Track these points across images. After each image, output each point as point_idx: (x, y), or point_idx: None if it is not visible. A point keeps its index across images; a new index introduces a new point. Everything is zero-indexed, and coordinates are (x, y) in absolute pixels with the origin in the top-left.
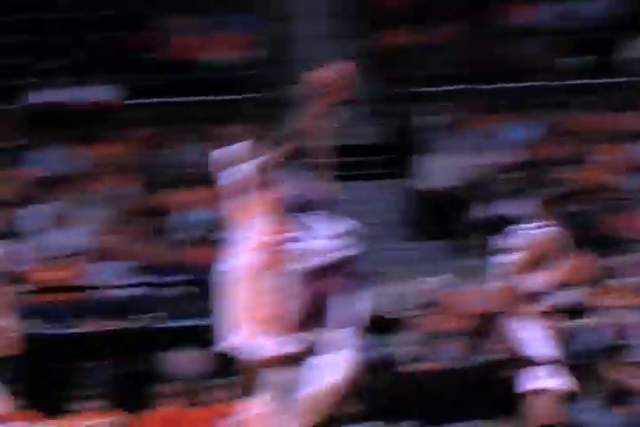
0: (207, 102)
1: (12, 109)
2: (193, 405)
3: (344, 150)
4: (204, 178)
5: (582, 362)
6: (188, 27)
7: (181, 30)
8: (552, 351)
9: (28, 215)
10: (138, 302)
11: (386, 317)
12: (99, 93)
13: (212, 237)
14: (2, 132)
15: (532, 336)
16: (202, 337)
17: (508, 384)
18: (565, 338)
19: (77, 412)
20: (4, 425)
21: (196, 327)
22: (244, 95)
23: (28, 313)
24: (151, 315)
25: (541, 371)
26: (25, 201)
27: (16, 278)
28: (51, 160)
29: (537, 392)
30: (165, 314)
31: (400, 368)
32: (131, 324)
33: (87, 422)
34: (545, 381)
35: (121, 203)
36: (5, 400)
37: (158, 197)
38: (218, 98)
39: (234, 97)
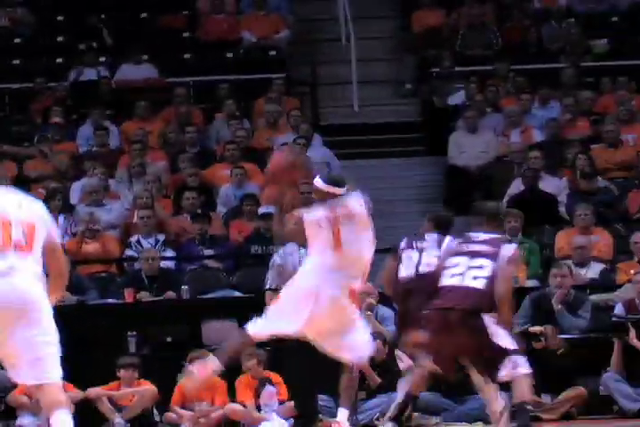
0: (242, 81)
1: (57, 87)
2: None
3: (380, 128)
4: (237, 154)
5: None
6: (225, 7)
7: (218, 10)
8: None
9: (73, 189)
10: (173, 275)
11: None
12: (138, 72)
13: (244, 211)
14: (49, 109)
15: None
16: (236, 309)
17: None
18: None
19: (116, 380)
20: None
21: (230, 299)
22: (276, 74)
23: (70, 284)
24: (185, 287)
25: (517, 359)
26: (70, 175)
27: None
28: (92, 136)
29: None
30: (198, 286)
31: None
32: (166, 295)
33: (126, 391)
34: (523, 367)
35: (157, 178)
36: None
37: (195, 172)
38: (252, 76)
39: (267, 76)
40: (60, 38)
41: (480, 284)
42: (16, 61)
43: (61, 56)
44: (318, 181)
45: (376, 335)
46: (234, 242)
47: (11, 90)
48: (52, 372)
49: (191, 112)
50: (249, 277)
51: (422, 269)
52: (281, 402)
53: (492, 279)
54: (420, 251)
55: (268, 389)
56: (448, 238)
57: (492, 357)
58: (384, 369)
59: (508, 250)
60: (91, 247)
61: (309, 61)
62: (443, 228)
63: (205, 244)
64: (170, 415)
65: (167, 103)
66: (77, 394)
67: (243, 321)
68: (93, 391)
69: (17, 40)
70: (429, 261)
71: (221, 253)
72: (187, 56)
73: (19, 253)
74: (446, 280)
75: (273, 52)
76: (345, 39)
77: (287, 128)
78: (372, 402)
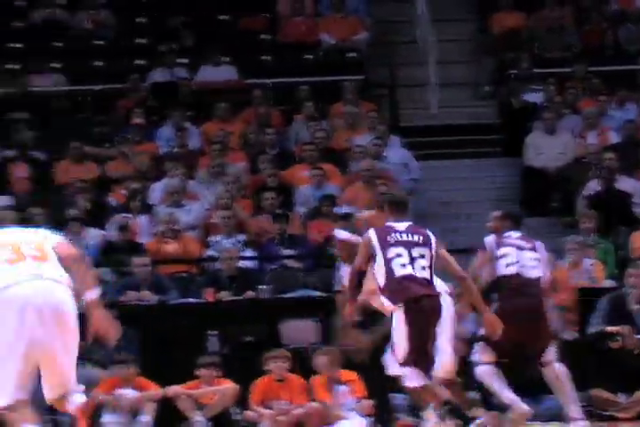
0: (320, 83)
1: (137, 88)
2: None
3: (458, 129)
4: (316, 155)
5: None
6: (304, 9)
7: (298, 13)
8: None
9: (153, 189)
10: (253, 274)
11: None
12: (217, 73)
13: (322, 212)
14: (130, 110)
15: None
16: (314, 309)
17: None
18: None
19: (196, 378)
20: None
21: (308, 299)
22: (354, 76)
23: (149, 284)
24: (264, 287)
25: None
26: (150, 176)
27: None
28: (172, 137)
29: None
30: (278, 286)
31: None
32: (245, 295)
33: (207, 389)
34: None
35: (237, 179)
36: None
37: (274, 173)
38: (330, 78)
39: (345, 78)
40: (140, 40)
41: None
42: (98, 63)
43: (142, 58)
44: None
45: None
46: (313, 242)
47: (93, 91)
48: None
49: (270, 113)
50: (327, 277)
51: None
52: (358, 400)
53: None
54: (519, 248)
55: (340, 388)
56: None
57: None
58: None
59: None
60: (171, 247)
61: (387, 63)
62: (519, 225)
63: (284, 244)
64: (249, 414)
65: (247, 104)
66: (158, 392)
67: (321, 321)
68: (173, 390)
69: (99, 42)
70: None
71: (300, 253)
72: (266, 58)
73: (36, 262)
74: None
75: (351, 55)
76: (423, 41)
77: (365, 129)
78: None
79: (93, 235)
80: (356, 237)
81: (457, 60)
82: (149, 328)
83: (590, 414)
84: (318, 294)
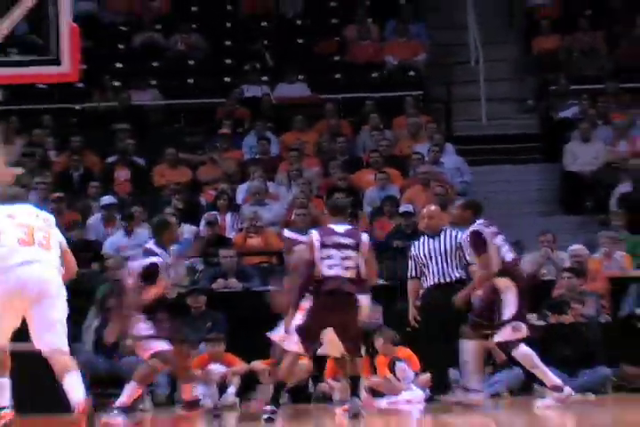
0: (384, 98)
1: (226, 102)
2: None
3: (505, 139)
4: (381, 161)
5: None
6: (371, 35)
7: (365, 37)
8: None
9: (238, 191)
10: None
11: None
12: (293, 90)
13: (385, 211)
14: (219, 121)
15: None
16: (379, 295)
17: None
18: None
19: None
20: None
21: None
22: (414, 92)
23: (235, 273)
24: None
25: None
26: (236, 179)
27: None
28: (255, 145)
29: None
30: None
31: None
32: None
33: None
34: None
35: (311, 181)
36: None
37: (344, 176)
38: (393, 94)
39: (406, 93)
40: (228, 60)
41: None
42: (190, 80)
43: (229, 76)
44: None
45: None
46: (377, 237)
47: (186, 105)
48: (61, 342)
49: (341, 125)
50: (390, 268)
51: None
52: (416, 374)
53: None
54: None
55: (399, 365)
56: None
57: None
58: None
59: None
60: (254, 241)
61: (443, 81)
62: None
63: None
64: (323, 386)
65: (320, 117)
66: (244, 366)
67: (386, 305)
68: (257, 365)
69: (191, 62)
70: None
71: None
72: (337, 76)
73: (41, 248)
74: None
75: (412, 73)
76: (474, 62)
77: (424, 138)
78: (497, 376)
79: (187, 230)
80: (301, 236)
81: (503, 78)
82: (235, 311)
83: (621, 388)
84: (382, 282)
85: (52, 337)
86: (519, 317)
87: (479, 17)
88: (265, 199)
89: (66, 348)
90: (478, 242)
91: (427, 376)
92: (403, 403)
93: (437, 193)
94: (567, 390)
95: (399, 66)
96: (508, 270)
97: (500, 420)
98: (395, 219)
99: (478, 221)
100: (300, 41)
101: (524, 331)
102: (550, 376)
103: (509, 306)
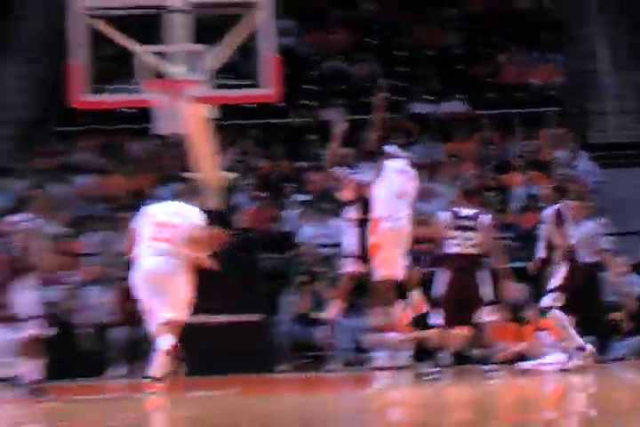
0: (530, 113)
1: (400, 117)
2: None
3: (630, 146)
4: (526, 165)
5: None
6: (518, 60)
7: (515, 64)
8: None
9: None
10: None
11: None
12: (454, 106)
13: (530, 207)
14: (396, 133)
15: None
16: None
17: None
18: None
19: None
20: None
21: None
22: (555, 108)
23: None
24: None
25: None
26: None
27: None
28: (424, 152)
29: None
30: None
31: None
32: None
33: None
34: None
35: (468, 182)
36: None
37: (496, 177)
38: (537, 110)
39: (548, 109)
40: (399, 83)
41: None
42: (367, 100)
43: (401, 95)
44: None
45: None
46: (524, 228)
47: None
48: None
49: (493, 136)
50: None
51: None
52: (556, 341)
53: None
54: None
55: (540, 334)
56: None
57: None
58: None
59: None
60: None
61: (578, 98)
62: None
63: (503, 229)
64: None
65: (476, 130)
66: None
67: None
68: (428, 333)
69: (369, 85)
70: None
71: (514, 235)
72: (490, 95)
73: (166, 244)
74: None
75: (552, 93)
76: (604, 83)
77: (562, 146)
78: (624, 342)
79: None
80: None
81: (629, 95)
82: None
83: None
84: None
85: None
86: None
87: (608, 47)
88: (430, 196)
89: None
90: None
91: (566, 343)
92: (546, 365)
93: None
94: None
95: (541, 87)
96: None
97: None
98: (538, 213)
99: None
100: (459, 66)
101: None
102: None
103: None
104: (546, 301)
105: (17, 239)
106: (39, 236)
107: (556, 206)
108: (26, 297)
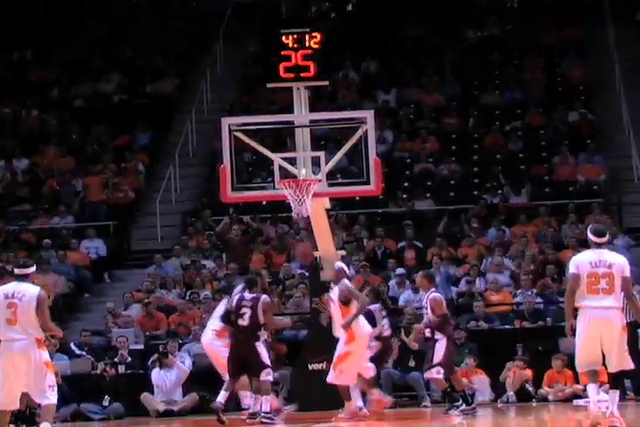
0: (579, 204)
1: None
2: None
3: None
4: (576, 243)
5: None
6: (567, 160)
7: (563, 163)
8: None
9: None
10: None
11: None
12: (519, 199)
13: None
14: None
15: None
16: None
17: None
18: None
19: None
20: None
21: None
22: (596, 199)
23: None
24: None
25: None
26: None
27: None
28: (495, 234)
29: None
30: None
31: None
32: None
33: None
34: None
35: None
36: None
37: (554, 254)
38: (581, 201)
39: (590, 200)
40: (476, 180)
41: None
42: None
43: (476, 190)
44: None
45: None
46: None
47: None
48: None
49: (550, 221)
50: None
51: None
52: None
53: None
54: None
55: None
56: None
57: None
58: None
59: None
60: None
61: (617, 191)
62: None
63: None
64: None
65: (537, 216)
66: None
67: None
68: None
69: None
70: None
71: None
72: (546, 190)
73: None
74: None
75: (595, 187)
76: (637, 179)
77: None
78: None
79: None
80: None
81: None
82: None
83: None
84: None
85: None
86: None
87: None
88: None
89: None
90: None
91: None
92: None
93: None
94: None
95: (587, 182)
96: None
97: None
98: None
99: None
100: (522, 167)
101: None
102: None
103: None
104: None
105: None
106: None
107: None
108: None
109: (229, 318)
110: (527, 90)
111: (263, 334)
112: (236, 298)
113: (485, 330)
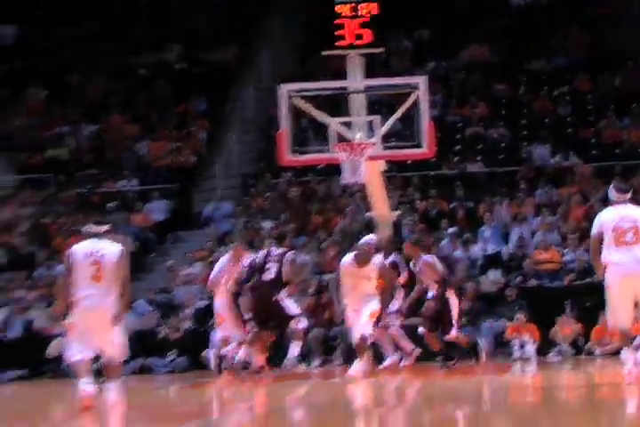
0: (623, 165)
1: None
2: None
3: None
4: None
5: None
6: (614, 125)
7: (610, 127)
8: None
9: None
10: None
11: None
12: (566, 161)
13: None
14: None
15: None
16: None
17: None
18: None
19: None
20: None
21: None
22: None
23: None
24: None
25: None
26: None
27: None
28: (543, 195)
29: None
30: None
31: None
32: None
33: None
34: None
35: None
36: None
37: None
38: (632, 162)
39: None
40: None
41: None
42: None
43: (524, 153)
44: None
45: None
46: None
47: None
48: None
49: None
50: None
51: None
52: None
53: None
54: None
55: None
56: None
57: None
58: None
59: None
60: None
61: None
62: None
63: None
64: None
65: (583, 177)
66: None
67: None
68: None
69: None
70: None
71: None
72: (594, 152)
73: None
74: None
75: None
76: None
77: None
78: None
79: None
80: None
81: None
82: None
83: None
84: None
85: None
86: None
87: None
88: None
89: None
90: None
91: None
92: None
93: None
94: None
95: (632, 145)
96: None
97: None
98: None
99: None
100: (569, 130)
101: None
102: None
103: None
104: None
105: None
106: None
107: None
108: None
109: (253, 274)
110: (573, 56)
111: (290, 289)
112: (262, 254)
113: (535, 287)
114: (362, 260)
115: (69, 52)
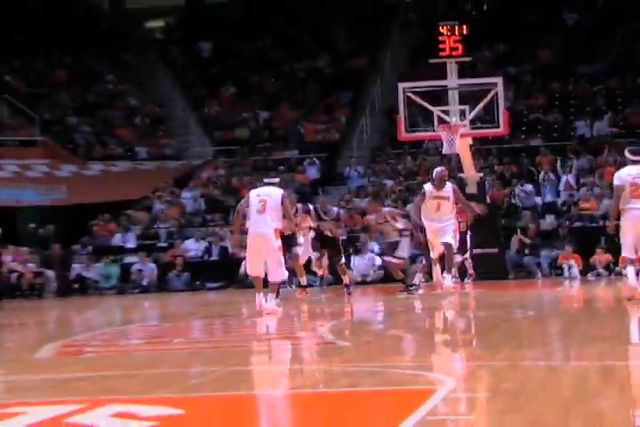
0: None
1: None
2: None
3: None
4: None
5: None
6: None
7: None
8: None
9: None
10: None
11: None
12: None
13: None
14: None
15: None
16: None
17: None
18: None
19: None
20: None
21: None
22: None
23: None
24: None
25: None
26: None
27: None
28: (584, 162)
29: None
30: None
31: None
32: None
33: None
34: None
35: None
36: None
37: None
38: None
39: None
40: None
41: None
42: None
43: (568, 126)
44: None
45: None
46: None
47: None
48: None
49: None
50: None
51: None
52: None
53: None
54: None
55: None
56: None
57: None
58: None
59: None
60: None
61: None
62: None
63: None
64: (618, 269)
65: (619, 146)
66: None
67: None
68: None
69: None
70: None
71: None
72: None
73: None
74: None
75: None
76: None
77: None
78: None
79: None
80: None
81: None
82: None
83: None
84: None
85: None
86: None
87: None
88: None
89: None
90: None
91: None
92: None
93: None
94: None
95: None
96: None
97: None
98: None
99: None
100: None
101: None
102: None
103: None
104: None
105: None
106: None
107: None
108: None
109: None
110: (609, 62)
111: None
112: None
113: (579, 227)
114: (439, 183)
115: (251, 61)
